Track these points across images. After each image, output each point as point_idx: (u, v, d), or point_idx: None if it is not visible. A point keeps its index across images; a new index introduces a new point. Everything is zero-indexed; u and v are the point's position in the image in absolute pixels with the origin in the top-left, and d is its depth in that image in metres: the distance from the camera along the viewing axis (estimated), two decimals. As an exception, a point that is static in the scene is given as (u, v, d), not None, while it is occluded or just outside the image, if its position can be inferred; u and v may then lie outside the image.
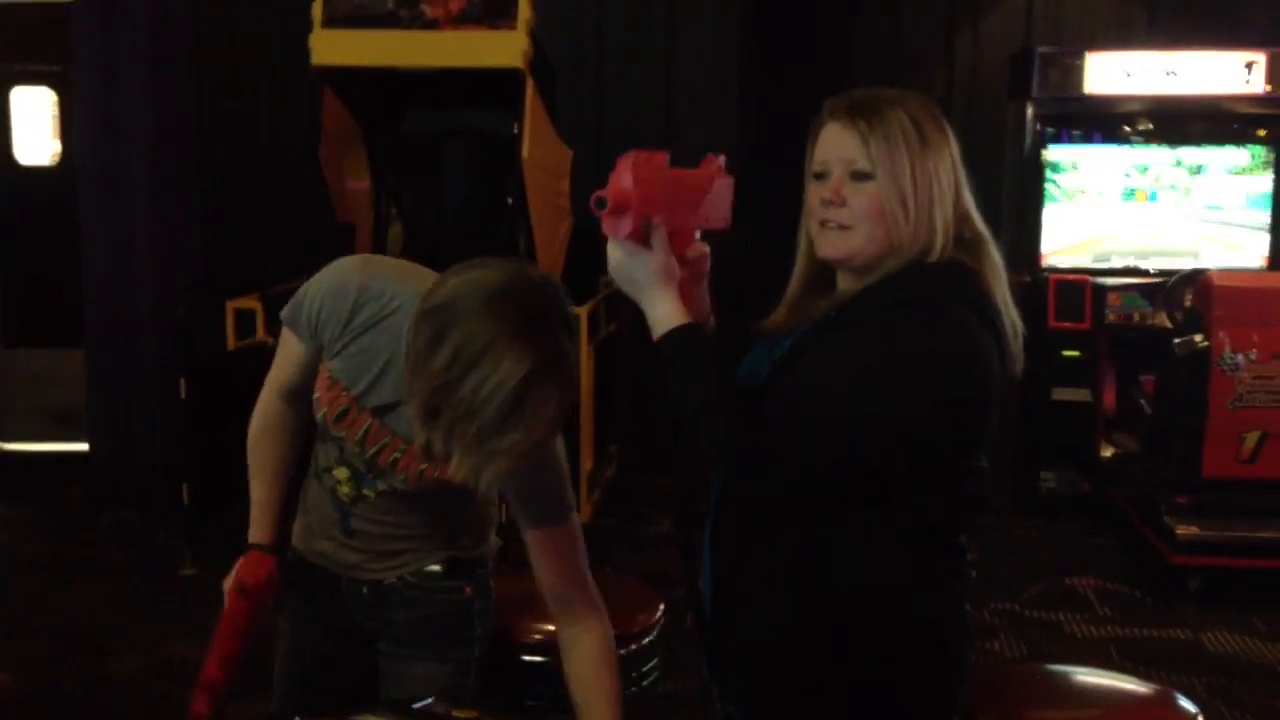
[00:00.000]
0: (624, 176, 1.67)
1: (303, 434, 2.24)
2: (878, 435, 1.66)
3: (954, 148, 1.82)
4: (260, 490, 2.21)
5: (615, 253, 1.74)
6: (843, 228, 1.79)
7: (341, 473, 2.14)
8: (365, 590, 2.22)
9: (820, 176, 1.82)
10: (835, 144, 1.80)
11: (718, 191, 1.85)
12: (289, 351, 2.13)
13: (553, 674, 2.41)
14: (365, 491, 2.14)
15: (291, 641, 2.32)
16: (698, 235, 1.83)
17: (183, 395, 4.97)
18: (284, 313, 2.12)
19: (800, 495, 1.73)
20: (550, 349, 1.72)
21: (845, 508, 1.74)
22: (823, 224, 1.81)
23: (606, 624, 2.09)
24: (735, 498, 1.84)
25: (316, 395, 2.10)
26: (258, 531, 2.20)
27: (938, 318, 1.71)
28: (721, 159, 1.87)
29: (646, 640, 2.60)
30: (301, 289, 2.09)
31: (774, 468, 1.67)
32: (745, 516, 1.83)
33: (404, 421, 1.96)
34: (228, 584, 2.17)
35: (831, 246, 1.81)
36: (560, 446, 2.05)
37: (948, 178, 1.79)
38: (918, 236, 1.76)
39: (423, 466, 2.05)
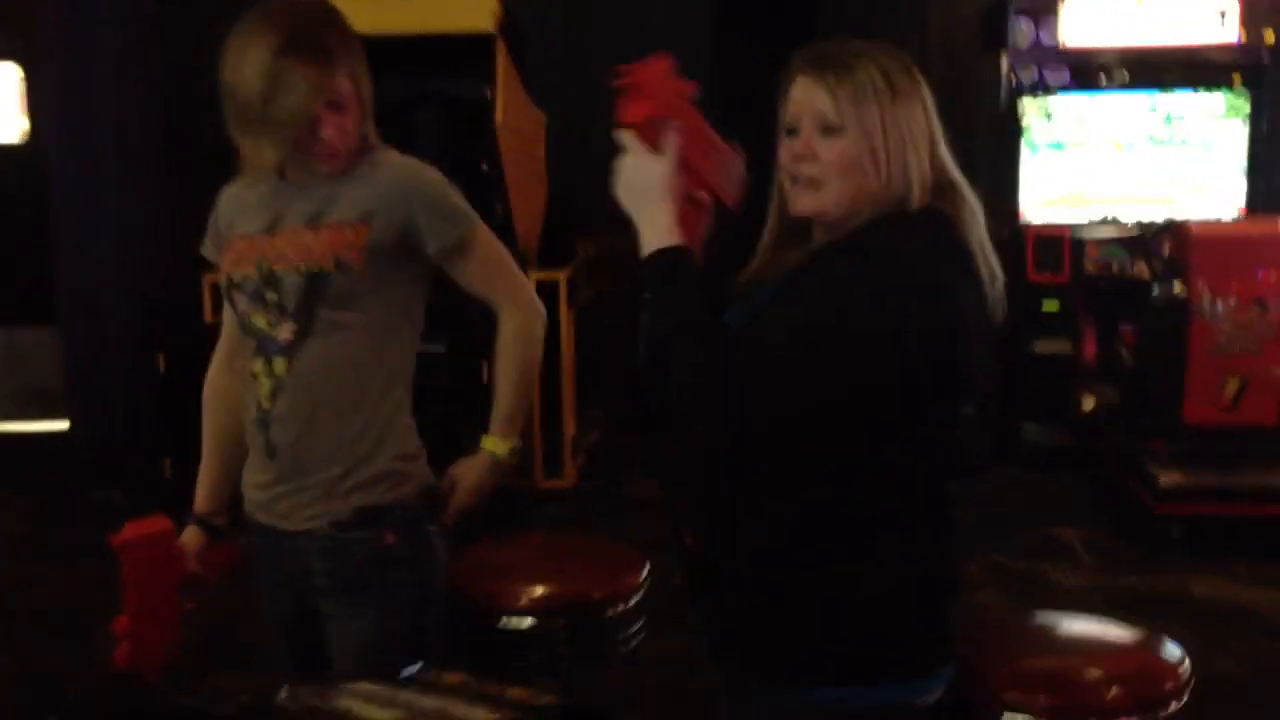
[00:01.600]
0: (658, 69, 1.65)
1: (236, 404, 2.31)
2: (842, 377, 1.65)
3: (926, 97, 1.80)
4: (204, 457, 2.40)
5: (624, 160, 1.72)
6: (813, 183, 1.77)
7: (257, 365, 2.20)
8: (297, 544, 2.23)
9: (791, 132, 1.81)
10: (804, 98, 1.78)
11: (732, 159, 1.83)
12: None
13: (537, 638, 2.42)
14: (276, 369, 2.17)
15: (266, 609, 2.37)
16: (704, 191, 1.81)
17: (161, 369, 4.94)
18: (203, 251, 2.39)
19: (767, 440, 1.71)
20: (296, 28, 2.07)
21: (832, 462, 1.73)
22: (794, 180, 1.80)
23: (522, 315, 2.32)
24: (723, 457, 1.82)
25: (221, 276, 2.27)
26: (205, 501, 2.38)
27: (910, 268, 1.70)
28: (736, 145, 1.85)
29: (633, 602, 2.60)
30: None
31: (737, 406, 1.65)
32: (734, 476, 1.81)
33: (291, 214, 2.20)
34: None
35: (804, 202, 1.80)
36: (449, 187, 2.27)
37: (920, 128, 1.77)
38: (891, 188, 1.74)
39: (309, 232, 2.16)
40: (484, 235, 2.28)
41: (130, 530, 2.24)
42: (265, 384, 2.19)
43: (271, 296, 2.17)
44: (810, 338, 1.65)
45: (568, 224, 5.97)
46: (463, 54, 5.44)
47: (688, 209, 1.76)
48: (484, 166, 5.36)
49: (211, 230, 2.35)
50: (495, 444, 2.31)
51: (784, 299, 1.75)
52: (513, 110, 5.36)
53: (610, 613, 2.56)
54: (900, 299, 1.67)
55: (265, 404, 2.20)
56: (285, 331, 2.16)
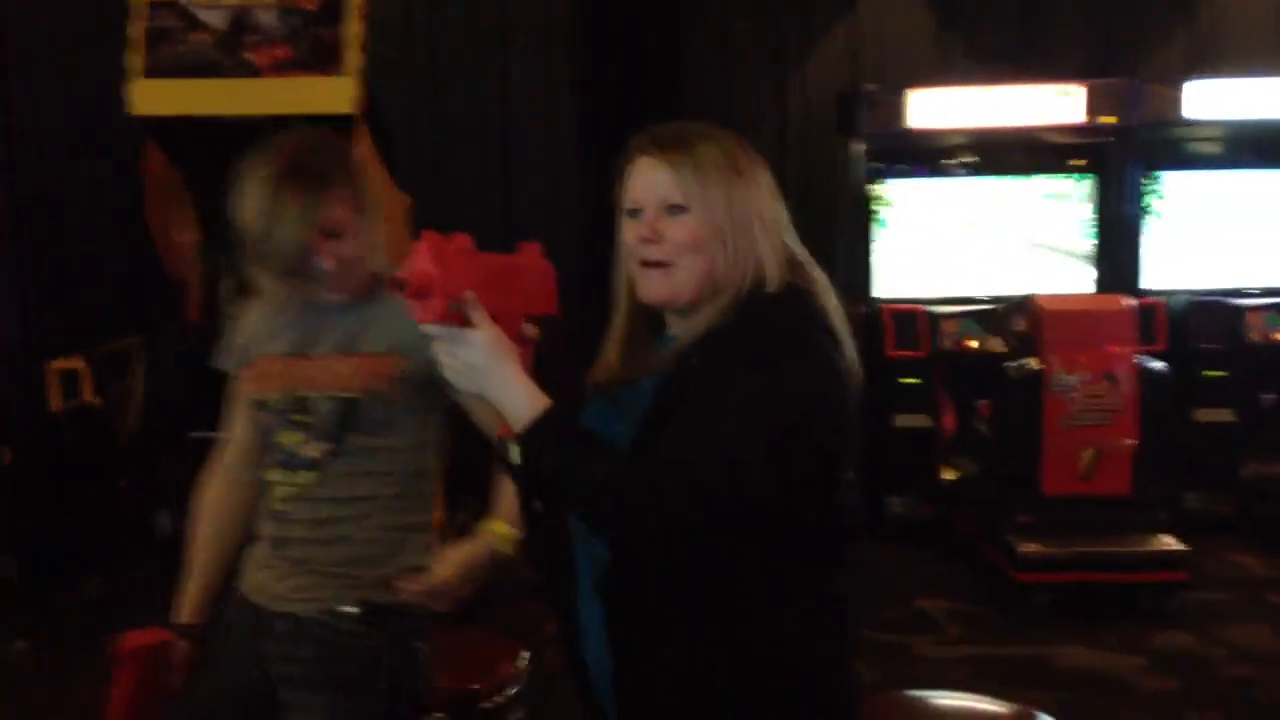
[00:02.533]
0: (422, 256, 1.57)
1: (242, 515, 2.33)
2: (761, 482, 1.61)
3: (768, 178, 1.79)
4: (191, 568, 2.34)
5: (439, 347, 1.63)
6: (662, 265, 1.74)
7: (277, 475, 2.21)
8: (283, 627, 2.20)
9: (634, 214, 1.78)
10: (647, 179, 1.76)
11: (536, 277, 1.77)
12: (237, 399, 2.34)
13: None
14: (300, 480, 2.19)
15: (210, 683, 2.27)
16: (524, 323, 1.73)
17: (6, 462, 4.74)
18: (217, 362, 2.37)
19: (708, 552, 1.66)
20: (288, 158, 2.12)
21: (748, 552, 1.68)
22: (643, 263, 1.77)
23: None
24: (627, 564, 1.74)
25: (244, 395, 2.28)
26: (176, 608, 2.32)
27: (803, 351, 1.68)
28: (537, 246, 1.79)
29: (512, 691, 2.55)
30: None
31: (682, 534, 1.60)
32: (645, 576, 1.73)
33: (322, 339, 2.22)
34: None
35: (654, 288, 1.76)
36: None
37: (765, 205, 1.76)
38: (740, 266, 1.72)
39: (340, 359, 2.18)
40: None
41: (133, 639, 2.23)
42: (284, 489, 2.22)
43: (300, 419, 2.20)
44: (731, 438, 1.60)
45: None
46: (323, 137, 5.37)
47: (519, 349, 1.68)
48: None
49: (230, 344, 2.36)
50: (502, 529, 2.22)
51: (680, 403, 1.68)
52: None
53: (488, 704, 2.50)
54: (801, 376, 1.65)
55: (281, 506, 2.23)
56: (314, 450, 2.19)
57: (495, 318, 1.63)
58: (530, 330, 1.72)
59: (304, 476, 2.19)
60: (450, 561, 2.18)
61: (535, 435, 1.62)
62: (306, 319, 2.24)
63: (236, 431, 2.35)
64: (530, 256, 1.78)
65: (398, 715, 2.21)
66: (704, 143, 1.75)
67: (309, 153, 2.16)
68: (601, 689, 1.81)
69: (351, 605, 2.18)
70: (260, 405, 2.24)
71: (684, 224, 1.72)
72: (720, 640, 1.72)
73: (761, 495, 1.62)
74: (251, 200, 2.13)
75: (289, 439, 2.20)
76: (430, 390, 2.17)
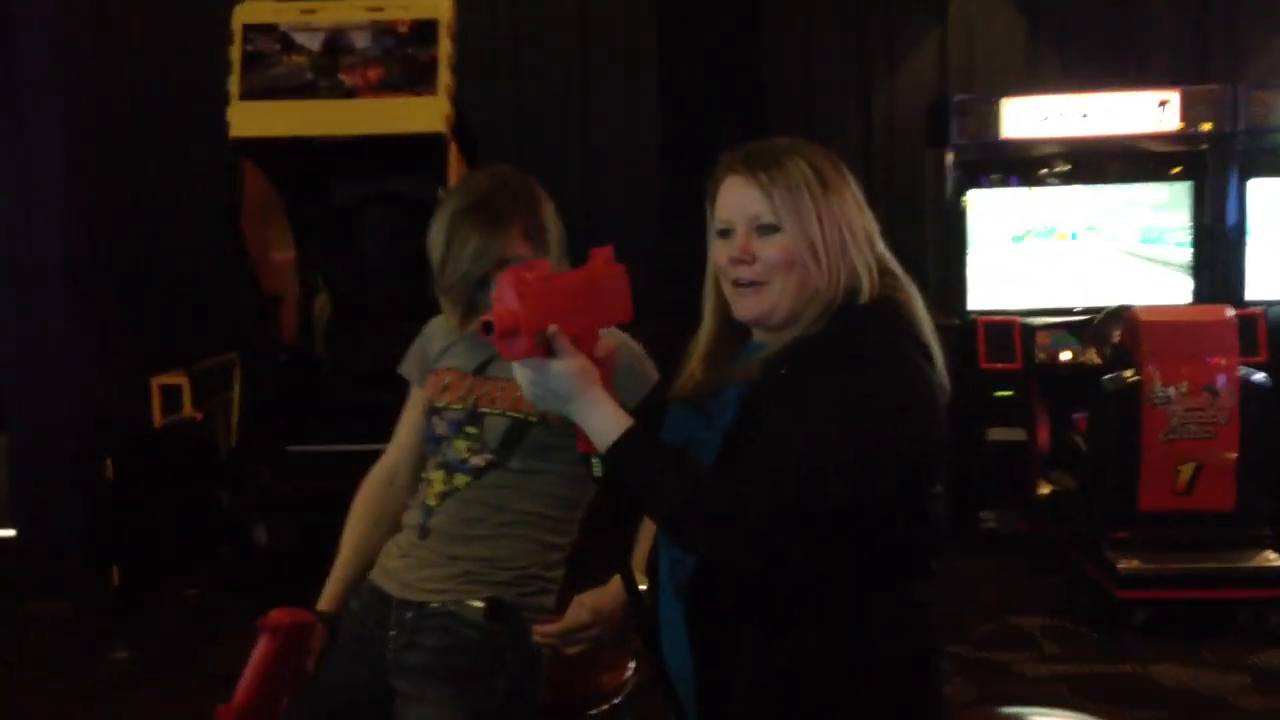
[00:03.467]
0: (507, 295, 1.60)
1: (394, 514, 2.43)
2: (853, 494, 1.62)
3: (856, 191, 1.80)
4: (338, 558, 2.45)
5: (524, 376, 1.67)
6: (756, 285, 1.76)
7: (436, 475, 2.32)
8: (410, 615, 2.26)
9: (725, 234, 1.79)
10: (737, 199, 1.77)
11: (611, 285, 1.79)
12: (407, 407, 2.52)
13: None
14: (456, 481, 2.29)
15: (329, 673, 2.34)
16: (600, 339, 1.76)
17: (108, 475, 4.86)
18: (401, 369, 2.54)
19: (787, 561, 1.68)
20: (472, 195, 2.29)
21: (833, 559, 1.69)
22: (735, 283, 1.78)
23: None
24: (713, 569, 1.76)
25: (428, 398, 2.40)
26: (325, 601, 2.41)
27: (894, 362, 1.69)
28: (609, 249, 1.81)
29: (616, 701, 2.55)
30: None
31: (764, 543, 1.63)
32: (728, 584, 1.75)
33: (500, 361, 2.17)
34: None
35: (747, 307, 1.78)
36: (648, 362, 2.36)
37: (857, 219, 1.77)
38: (833, 282, 1.74)
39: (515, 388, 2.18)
40: None
41: (279, 615, 2.29)
42: (438, 487, 2.32)
43: (472, 430, 2.31)
44: (816, 447, 1.61)
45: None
46: (414, 154, 5.46)
47: (602, 363, 1.71)
48: (436, 265, 5.35)
49: (417, 353, 2.50)
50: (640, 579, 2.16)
51: (769, 412, 1.69)
52: (465, 209, 5.36)
53: (595, 713, 2.51)
54: (889, 385, 1.66)
55: (432, 501, 2.33)
56: (479, 460, 2.30)
57: (577, 339, 1.66)
58: (605, 348, 1.74)
59: (461, 479, 2.30)
60: (585, 606, 2.20)
61: (619, 454, 1.65)
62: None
63: (403, 435, 2.49)
64: (604, 263, 1.80)
65: (513, 715, 2.24)
66: (792, 159, 1.76)
67: (492, 191, 2.30)
68: (684, 692, 1.82)
69: (479, 600, 2.24)
70: (438, 411, 2.36)
71: (776, 243, 1.74)
72: (800, 647, 1.73)
73: (844, 504, 1.63)
74: (436, 234, 2.31)
75: (457, 445, 2.31)
76: None
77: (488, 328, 1.59)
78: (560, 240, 2.37)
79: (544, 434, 2.26)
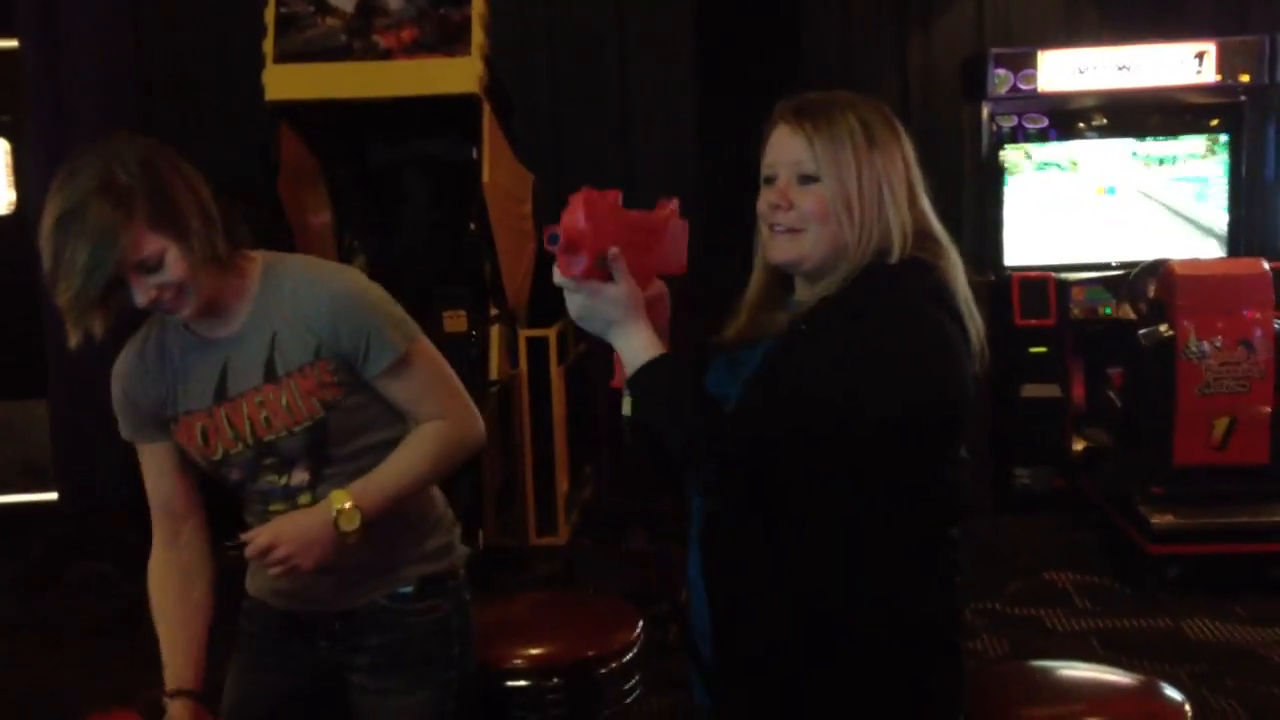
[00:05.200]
0: (577, 212, 1.62)
1: (201, 569, 2.21)
2: (862, 435, 1.64)
3: (907, 149, 1.81)
4: (172, 633, 2.17)
5: (576, 297, 1.68)
6: (791, 231, 1.78)
7: (277, 507, 2.10)
8: (336, 624, 2.17)
9: (769, 180, 1.82)
10: (783, 147, 1.80)
11: (673, 234, 1.82)
12: (149, 466, 2.21)
13: (531, 699, 2.40)
14: (301, 501, 2.09)
15: (242, 692, 2.23)
16: (655, 281, 1.79)
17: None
18: (123, 434, 2.20)
19: (802, 515, 1.71)
20: (69, 200, 1.83)
21: (840, 513, 1.72)
22: (772, 228, 1.81)
23: (450, 426, 2.13)
24: (725, 516, 1.81)
25: (192, 456, 2.13)
26: (187, 674, 2.14)
27: (911, 317, 1.70)
28: (675, 202, 1.83)
29: (627, 658, 2.59)
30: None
31: (765, 475, 1.66)
32: (739, 533, 1.80)
33: (233, 375, 2.06)
34: None
35: (780, 250, 1.81)
36: (365, 286, 2.10)
37: (899, 179, 1.78)
38: (866, 238, 1.75)
39: (274, 388, 2.04)
40: (423, 347, 2.14)
41: None
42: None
43: (271, 460, 2.09)
44: (828, 397, 1.64)
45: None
46: (448, 116, 5.48)
47: (652, 305, 1.75)
48: (472, 226, 5.39)
49: (127, 409, 2.16)
50: (339, 495, 2.02)
51: (785, 364, 1.73)
52: (499, 170, 5.39)
53: (605, 670, 2.55)
54: (908, 346, 1.68)
55: None
56: (298, 476, 2.10)
57: (633, 274, 1.69)
58: (657, 290, 1.78)
59: (304, 499, 2.09)
60: (273, 530, 2.00)
61: (646, 375, 1.69)
62: (208, 353, 2.08)
63: (161, 494, 2.21)
64: (669, 214, 1.83)
65: (468, 668, 2.24)
66: (843, 112, 1.78)
67: (98, 187, 1.86)
68: (703, 642, 1.87)
69: (409, 586, 2.16)
70: (222, 463, 2.10)
71: (814, 193, 1.76)
72: (811, 605, 1.76)
73: (845, 449, 1.65)
74: (41, 249, 1.88)
75: (269, 479, 2.10)
76: (354, 363, 2.06)
77: (553, 238, 1.60)
78: (208, 213, 1.99)
79: (342, 416, 2.07)
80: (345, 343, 2.05)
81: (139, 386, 2.13)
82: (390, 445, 2.12)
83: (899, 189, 1.77)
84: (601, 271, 1.66)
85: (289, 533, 1.98)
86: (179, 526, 2.21)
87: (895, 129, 1.81)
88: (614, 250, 1.65)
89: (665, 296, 1.81)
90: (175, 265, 1.93)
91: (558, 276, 1.67)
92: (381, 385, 2.09)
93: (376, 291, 2.12)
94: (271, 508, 2.11)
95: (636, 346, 1.70)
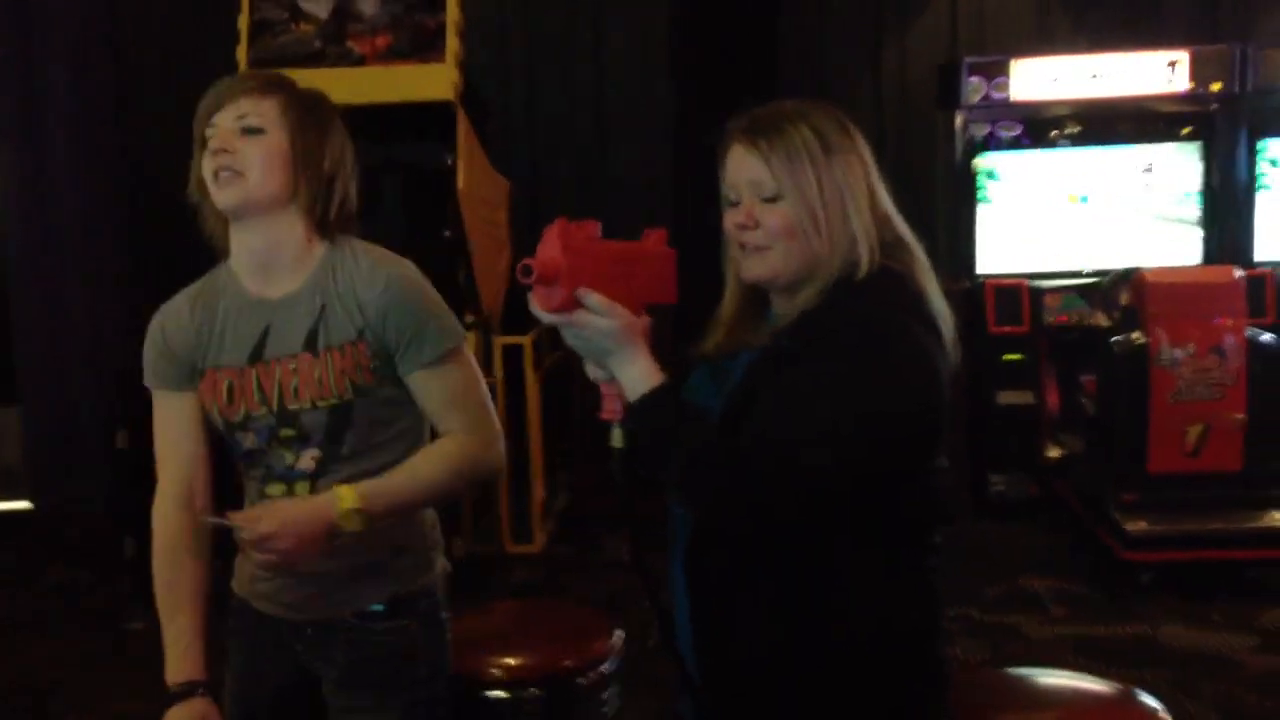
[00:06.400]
0: (551, 245, 1.59)
1: (208, 548, 2.15)
2: (851, 458, 1.65)
3: (864, 153, 1.81)
4: (182, 619, 2.10)
5: (568, 331, 1.66)
6: (759, 249, 1.78)
7: (275, 488, 2.08)
8: (310, 631, 2.15)
9: (733, 202, 1.82)
10: (740, 167, 1.80)
11: (658, 265, 1.79)
12: (167, 417, 2.14)
13: (511, 710, 2.38)
14: (297, 489, 2.07)
15: (241, 695, 2.23)
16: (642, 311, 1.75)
17: (123, 445, 4.89)
18: (145, 380, 2.15)
19: (786, 526, 1.71)
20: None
21: (826, 524, 1.72)
22: (741, 247, 1.81)
23: (474, 443, 2.09)
24: (712, 531, 1.80)
25: (210, 414, 2.10)
26: (190, 666, 2.08)
27: (889, 334, 1.70)
28: (663, 232, 1.81)
29: (605, 667, 2.58)
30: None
31: (760, 510, 1.66)
32: (725, 547, 1.79)
33: (274, 339, 2.05)
34: None
35: (752, 270, 1.81)
36: (421, 281, 2.11)
37: (859, 184, 1.78)
38: (836, 247, 1.75)
39: (311, 359, 2.03)
40: (465, 356, 2.13)
41: None
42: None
43: (289, 433, 2.06)
44: (816, 428, 1.64)
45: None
46: (424, 123, 5.47)
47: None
48: (447, 233, 5.38)
49: (157, 356, 2.13)
50: (347, 494, 1.97)
51: (767, 386, 1.72)
52: (475, 177, 5.38)
53: (584, 680, 2.54)
54: (887, 366, 1.68)
55: None
56: (306, 460, 2.07)
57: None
58: (645, 322, 1.74)
59: (301, 488, 2.06)
60: (276, 516, 1.95)
61: (646, 404, 1.68)
62: (255, 313, 2.08)
63: (181, 451, 2.14)
64: (655, 244, 1.80)
65: (438, 692, 2.19)
66: (795, 124, 1.77)
67: (263, 74, 2.13)
68: (688, 655, 1.86)
69: (377, 603, 2.12)
70: (240, 426, 2.07)
71: (778, 212, 1.76)
72: (798, 617, 1.76)
73: (838, 473, 1.65)
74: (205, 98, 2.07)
75: (280, 454, 2.07)
76: (395, 353, 2.05)
77: (526, 270, 1.57)
78: (335, 175, 2.10)
79: (368, 405, 2.05)
80: (390, 330, 2.03)
81: (179, 330, 2.12)
82: (400, 452, 2.09)
83: (859, 195, 1.77)
84: (576, 305, 1.64)
85: (290, 524, 1.93)
86: (192, 487, 2.14)
87: (849, 132, 1.81)
88: (580, 290, 1.62)
89: (649, 327, 1.76)
90: (278, 152, 2.02)
91: (534, 309, 1.65)
92: (415, 383, 2.07)
93: (432, 289, 2.12)
94: (269, 489, 2.09)
95: (634, 376, 1.68)
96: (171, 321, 2.14)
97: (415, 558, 2.18)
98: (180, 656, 2.09)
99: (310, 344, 2.03)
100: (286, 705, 2.20)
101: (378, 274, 2.06)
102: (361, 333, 2.03)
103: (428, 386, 2.07)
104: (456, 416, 2.09)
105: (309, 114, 2.07)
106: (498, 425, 2.15)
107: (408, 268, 2.12)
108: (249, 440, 2.09)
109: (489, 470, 2.14)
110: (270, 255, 2.06)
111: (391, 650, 2.12)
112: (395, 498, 2.03)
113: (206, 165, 2.02)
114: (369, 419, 2.06)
